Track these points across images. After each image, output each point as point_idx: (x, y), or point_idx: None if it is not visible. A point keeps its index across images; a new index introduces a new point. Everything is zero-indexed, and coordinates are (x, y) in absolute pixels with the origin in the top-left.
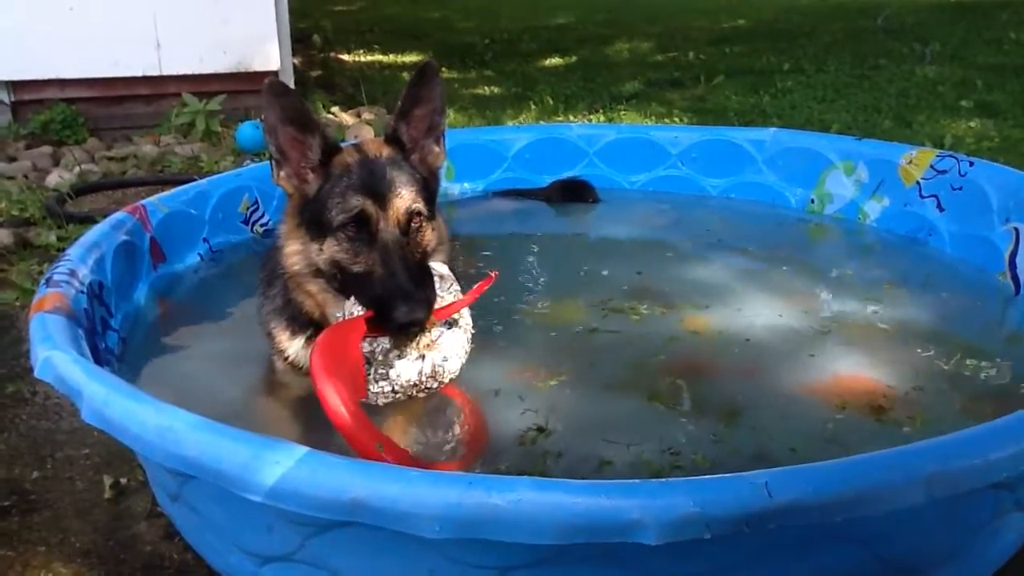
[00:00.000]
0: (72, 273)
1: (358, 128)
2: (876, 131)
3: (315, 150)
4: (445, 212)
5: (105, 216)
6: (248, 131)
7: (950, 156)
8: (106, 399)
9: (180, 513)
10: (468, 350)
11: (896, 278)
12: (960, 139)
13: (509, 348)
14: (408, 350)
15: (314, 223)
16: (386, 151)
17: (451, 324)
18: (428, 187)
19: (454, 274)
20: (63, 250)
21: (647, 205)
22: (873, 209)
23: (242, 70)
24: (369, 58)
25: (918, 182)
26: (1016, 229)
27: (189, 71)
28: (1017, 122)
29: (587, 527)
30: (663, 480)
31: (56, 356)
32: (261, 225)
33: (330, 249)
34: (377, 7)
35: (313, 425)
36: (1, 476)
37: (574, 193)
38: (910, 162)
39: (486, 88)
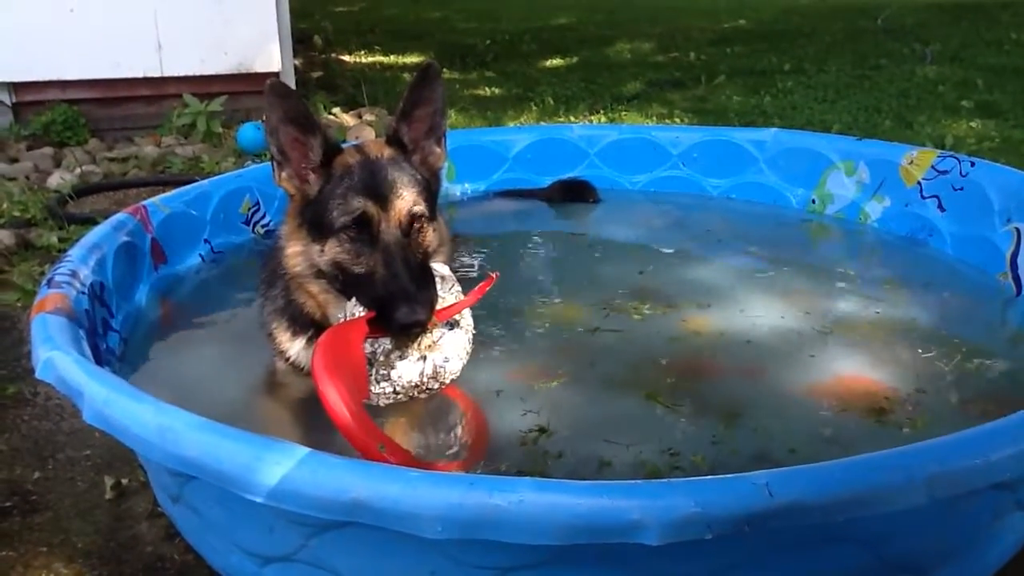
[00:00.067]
0: (73, 274)
1: (359, 129)
2: (877, 131)
3: (316, 151)
4: (446, 213)
5: (106, 217)
6: (249, 132)
7: (951, 156)
8: (107, 400)
9: (181, 514)
10: (469, 351)
11: (897, 278)
12: (961, 139)
13: (510, 349)
14: (409, 351)
15: (316, 224)
16: (387, 152)
17: (452, 325)
18: (429, 188)
19: (454, 274)
20: (64, 251)
21: (648, 206)
22: (874, 209)
23: (243, 71)
24: (370, 59)
25: (919, 182)
26: (1017, 229)
27: (190, 72)
28: (1018, 122)
29: (588, 528)
30: (664, 481)
31: (57, 357)
32: (262, 226)
33: (332, 250)
34: (378, 8)
35: (314, 426)
36: (2, 477)
37: (575, 194)
38: (911, 162)
39: (487, 89)
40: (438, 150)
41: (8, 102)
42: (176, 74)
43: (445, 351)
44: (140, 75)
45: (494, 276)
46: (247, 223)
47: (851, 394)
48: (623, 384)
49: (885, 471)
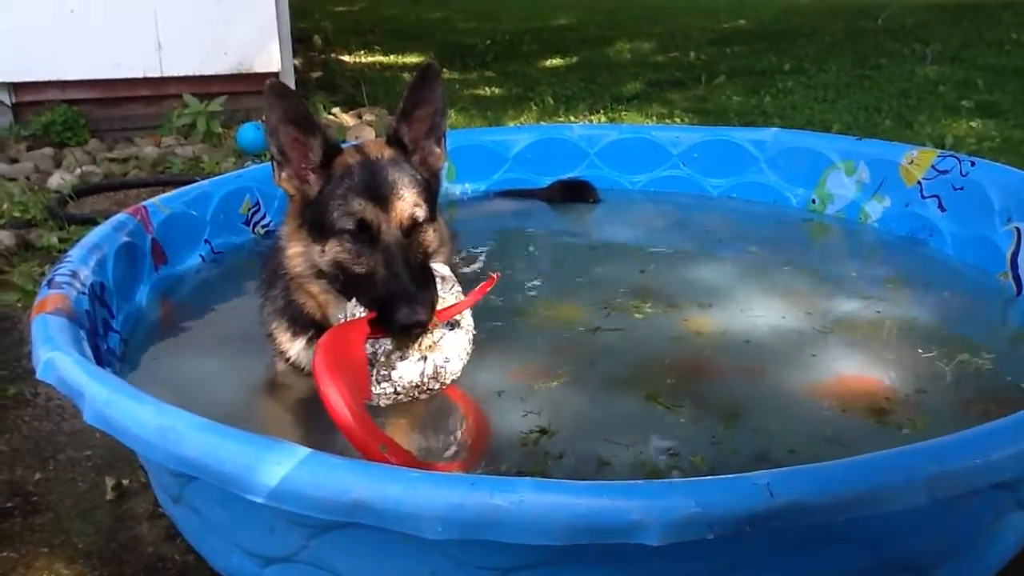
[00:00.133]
0: (74, 274)
1: (359, 129)
2: (877, 131)
3: (316, 151)
4: (446, 213)
5: (106, 217)
6: (249, 132)
7: (951, 156)
8: (108, 400)
9: (182, 514)
10: (470, 351)
11: (897, 278)
12: (961, 139)
13: (511, 349)
14: (410, 351)
15: (316, 225)
16: (387, 152)
17: (453, 325)
18: (429, 188)
19: (454, 274)
20: (65, 251)
21: (648, 205)
22: (874, 209)
23: (243, 71)
24: (370, 59)
25: (919, 182)
26: (1017, 229)
27: (190, 72)
28: (1018, 122)
29: (589, 528)
30: (665, 481)
31: (58, 357)
32: (262, 226)
33: (332, 251)
34: (378, 8)
35: (314, 426)
36: (3, 478)
37: (575, 193)
38: (911, 162)
39: (487, 89)
40: (438, 150)
41: (8, 102)
42: (176, 74)
43: (446, 351)
44: (140, 75)
45: (495, 277)
46: (247, 223)
47: (851, 394)
48: (624, 384)
49: (886, 471)
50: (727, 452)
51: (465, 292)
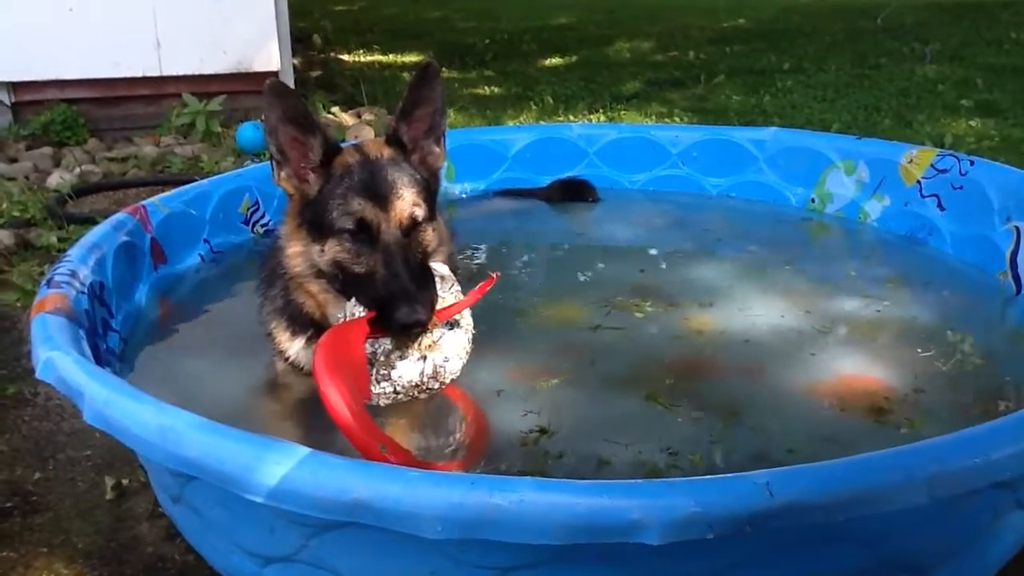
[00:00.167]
0: (73, 274)
1: (358, 128)
2: (876, 130)
3: (316, 151)
4: (445, 212)
5: (106, 217)
6: (248, 131)
7: (951, 155)
8: (108, 400)
9: (182, 514)
10: (469, 350)
11: (897, 277)
12: (960, 138)
13: (510, 348)
14: (410, 351)
15: (315, 224)
16: (387, 152)
17: (452, 325)
18: (429, 188)
19: (454, 274)
20: (64, 251)
21: (648, 205)
22: (874, 208)
23: (242, 70)
24: (369, 58)
25: (919, 181)
26: (1017, 228)
27: (189, 72)
28: (1017, 121)
29: (589, 527)
30: (665, 480)
31: (57, 357)
32: (262, 225)
33: (332, 250)
34: (377, 7)
35: (314, 425)
36: (3, 478)
37: (574, 193)
38: (911, 161)
39: (486, 88)
40: (437, 149)
41: (7, 102)
42: (175, 73)
43: (445, 351)
44: (139, 74)
45: (494, 276)
46: (246, 223)
47: (851, 393)
48: (624, 383)
49: (886, 470)
50: (726, 451)
51: (464, 289)
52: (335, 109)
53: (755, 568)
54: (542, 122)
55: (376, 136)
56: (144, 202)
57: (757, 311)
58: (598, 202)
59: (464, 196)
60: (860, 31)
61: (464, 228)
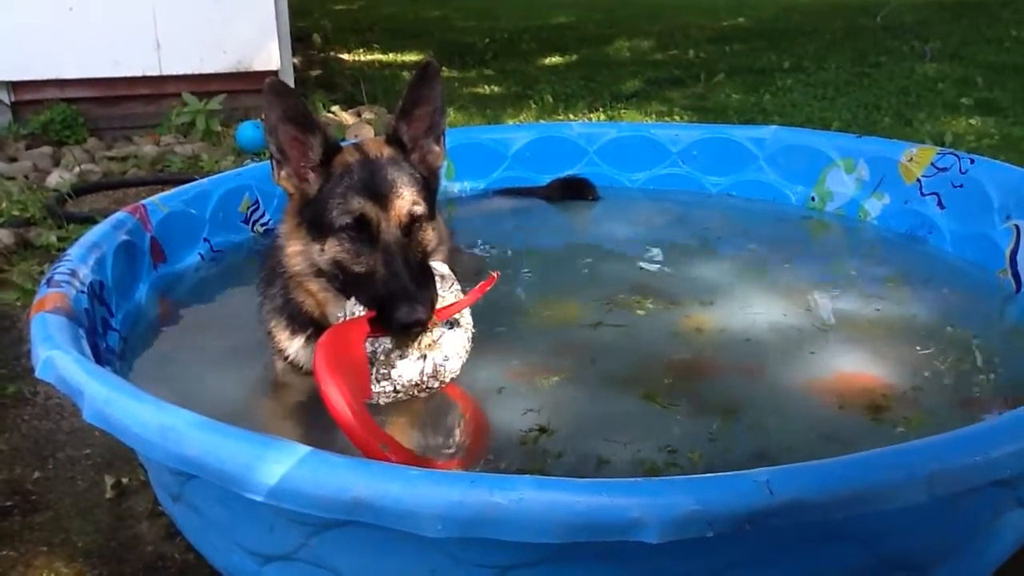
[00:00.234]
0: (73, 273)
1: (358, 127)
2: (876, 129)
3: (316, 150)
4: (445, 211)
5: (105, 216)
6: (248, 131)
7: (951, 154)
8: (107, 399)
9: (181, 513)
10: (469, 349)
11: (897, 275)
12: (960, 137)
13: (510, 347)
14: (410, 350)
15: (315, 223)
16: (387, 151)
17: (452, 324)
18: (429, 187)
19: (453, 273)
20: (64, 250)
21: (647, 203)
22: (874, 207)
23: (242, 70)
24: (369, 57)
25: (919, 180)
26: (1017, 226)
27: (189, 71)
28: (1017, 120)
29: (589, 526)
30: (665, 478)
31: (57, 356)
32: (262, 225)
33: (332, 250)
34: (377, 6)
35: (314, 424)
36: (3, 477)
37: (574, 191)
38: (911, 160)
39: (486, 87)
40: (437, 149)
41: (7, 101)
42: (175, 73)
43: (445, 350)
44: (139, 74)
45: (495, 276)
46: (246, 222)
47: (850, 391)
48: (623, 382)
49: (886, 468)
50: (725, 449)
51: (464, 288)
52: (335, 108)
53: (755, 566)
54: (542, 121)
55: (376, 135)
56: (144, 201)
57: (757, 309)
58: (598, 201)
59: (464, 195)
60: (860, 29)
61: (464, 227)
